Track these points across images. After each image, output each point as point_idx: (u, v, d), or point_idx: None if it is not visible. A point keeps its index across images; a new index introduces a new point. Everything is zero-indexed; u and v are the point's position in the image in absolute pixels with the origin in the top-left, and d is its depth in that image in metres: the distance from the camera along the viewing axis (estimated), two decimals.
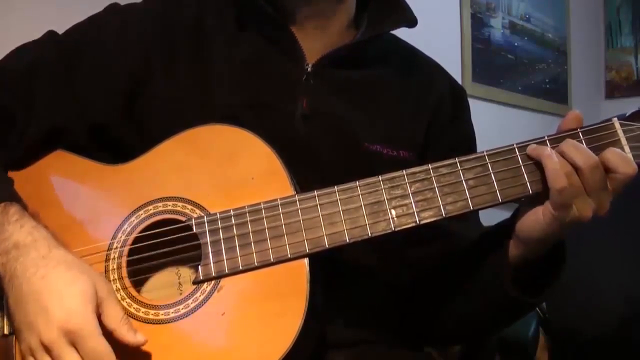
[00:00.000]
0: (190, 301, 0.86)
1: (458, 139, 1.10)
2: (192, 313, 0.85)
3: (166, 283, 0.91)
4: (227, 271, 0.86)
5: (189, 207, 0.90)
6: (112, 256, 0.90)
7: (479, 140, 1.14)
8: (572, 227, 0.87)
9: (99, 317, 0.81)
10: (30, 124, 0.97)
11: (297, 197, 0.87)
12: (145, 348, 0.83)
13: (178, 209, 0.90)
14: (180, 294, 0.88)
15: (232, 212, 0.88)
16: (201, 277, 0.87)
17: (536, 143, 0.88)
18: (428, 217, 0.87)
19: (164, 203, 0.91)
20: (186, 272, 0.90)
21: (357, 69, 1.05)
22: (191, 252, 0.89)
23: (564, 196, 0.84)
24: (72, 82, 0.99)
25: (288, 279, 0.85)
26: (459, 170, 0.88)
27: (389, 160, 1.01)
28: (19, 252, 0.83)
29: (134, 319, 0.85)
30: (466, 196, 0.87)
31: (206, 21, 1.04)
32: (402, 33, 1.12)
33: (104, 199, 0.94)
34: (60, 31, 1.05)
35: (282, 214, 0.87)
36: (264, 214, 0.87)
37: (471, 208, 0.87)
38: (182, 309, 0.86)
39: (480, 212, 0.99)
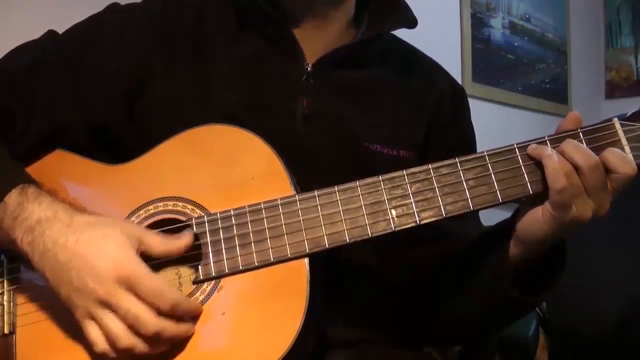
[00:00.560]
0: None
1: (458, 139, 1.11)
2: None
3: (166, 283, 0.91)
4: (227, 271, 0.86)
5: (189, 207, 0.90)
6: None
7: (479, 140, 1.14)
8: (573, 227, 0.87)
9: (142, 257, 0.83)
10: (30, 123, 0.97)
11: (297, 197, 0.87)
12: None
13: (178, 208, 0.90)
14: (181, 293, 0.88)
15: (232, 212, 0.88)
16: (201, 277, 0.87)
17: (536, 143, 0.88)
18: (428, 217, 0.87)
19: (164, 203, 0.91)
20: (186, 272, 0.90)
21: (358, 69, 1.05)
22: (191, 252, 0.89)
23: (563, 196, 0.84)
24: (72, 82, 0.99)
25: (288, 279, 0.85)
26: (459, 170, 0.88)
27: (389, 160, 1.01)
28: (43, 226, 0.85)
29: None
30: (466, 196, 0.87)
31: (206, 21, 1.04)
32: (402, 33, 1.12)
33: (104, 199, 0.94)
34: (60, 31, 1.05)
35: (282, 213, 0.87)
36: (264, 214, 0.87)
37: (471, 208, 0.87)
38: None
39: (481, 212, 0.99)
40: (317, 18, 1.04)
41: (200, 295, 0.86)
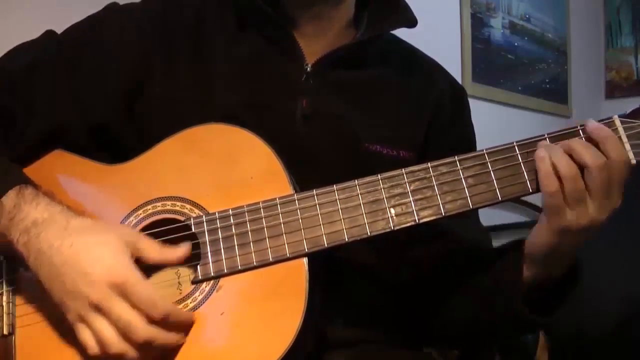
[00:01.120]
0: (189, 301, 0.86)
1: (458, 139, 1.10)
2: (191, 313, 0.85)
3: (165, 283, 0.91)
4: (225, 271, 0.86)
5: (188, 206, 0.90)
6: None
7: (479, 140, 1.14)
8: (574, 236, 0.87)
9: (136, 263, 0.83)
10: (29, 123, 0.97)
11: (295, 197, 0.87)
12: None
13: (177, 208, 0.90)
14: (180, 293, 0.88)
15: (230, 212, 0.88)
16: (200, 277, 0.87)
17: (536, 141, 0.88)
18: (427, 216, 0.87)
19: (162, 203, 0.91)
20: (185, 272, 0.90)
21: (357, 69, 1.05)
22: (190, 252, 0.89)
23: (555, 200, 0.85)
24: (71, 82, 0.99)
25: (287, 278, 0.85)
26: (458, 169, 0.88)
27: (389, 160, 1.00)
28: (39, 228, 0.85)
29: None
30: (465, 195, 0.87)
31: (206, 21, 1.04)
32: (402, 33, 1.11)
33: (103, 199, 0.94)
34: (60, 31, 1.05)
35: (281, 213, 0.87)
36: (262, 214, 0.87)
37: (470, 206, 0.87)
38: (182, 308, 0.85)
39: (481, 212, 0.99)
40: (316, 18, 1.04)
41: (199, 295, 0.86)
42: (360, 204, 0.87)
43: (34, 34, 1.05)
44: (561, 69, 3.36)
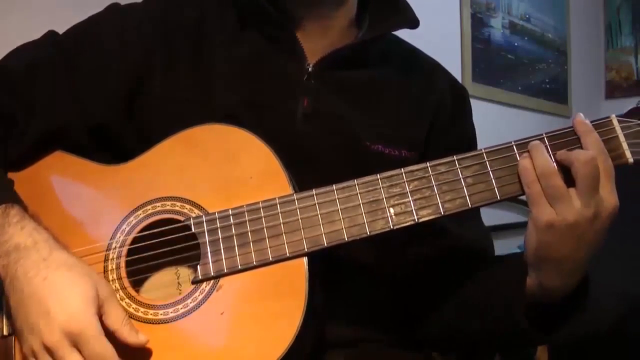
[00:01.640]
0: (189, 301, 0.86)
1: (459, 138, 1.10)
2: (191, 313, 0.85)
3: (165, 283, 0.91)
4: (225, 270, 0.86)
5: (188, 206, 0.90)
6: (110, 256, 0.90)
7: (479, 140, 1.14)
8: (562, 237, 0.85)
9: (100, 318, 0.80)
10: (30, 124, 0.97)
11: (295, 197, 0.87)
12: (143, 348, 0.83)
13: (177, 208, 0.90)
14: (179, 293, 0.88)
15: (230, 212, 0.88)
16: (200, 277, 0.87)
17: (534, 141, 0.88)
18: (426, 215, 0.87)
19: (162, 203, 0.91)
20: (185, 272, 0.90)
21: (358, 69, 1.05)
22: (190, 252, 0.89)
23: (530, 191, 0.85)
24: (72, 82, 0.99)
25: (287, 278, 0.85)
26: (457, 168, 0.88)
27: (389, 160, 1.00)
28: (20, 254, 0.83)
29: (133, 318, 0.85)
30: (464, 194, 0.87)
31: (207, 21, 1.04)
32: (402, 33, 1.11)
33: (103, 200, 0.94)
34: (61, 31, 1.05)
35: (281, 213, 0.87)
36: (262, 214, 0.87)
37: (469, 206, 0.87)
38: (181, 308, 0.86)
39: (482, 210, 0.99)
40: (318, 18, 1.04)
41: (199, 295, 0.86)
42: (360, 204, 0.87)
43: (35, 34, 1.05)
44: (561, 69, 3.37)
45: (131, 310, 0.87)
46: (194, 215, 0.89)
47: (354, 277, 0.98)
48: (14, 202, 0.89)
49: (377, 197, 0.87)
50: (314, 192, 0.88)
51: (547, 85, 3.25)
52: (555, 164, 0.86)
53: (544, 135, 0.88)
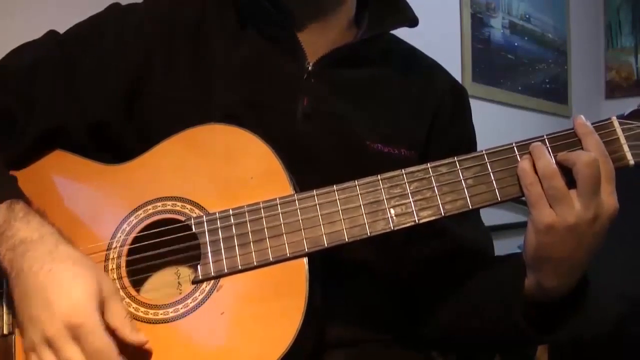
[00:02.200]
0: (189, 301, 0.86)
1: (459, 138, 1.10)
2: (192, 312, 0.85)
3: (165, 283, 0.91)
4: (226, 270, 0.86)
5: (188, 206, 0.90)
6: (111, 256, 0.90)
7: (479, 140, 1.14)
8: (563, 239, 0.85)
9: (102, 314, 0.80)
10: (30, 123, 0.97)
11: (296, 197, 0.87)
12: (144, 347, 0.83)
13: (177, 208, 0.90)
14: (180, 293, 0.88)
15: (231, 212, 0.88)
16: (200, 277, 0.87)
17: (535, 142, 0.88)
18: (427, 216, 0.87)
19: (163, 203, 0.91)
20: (185, 272, 0.90)
21: (358, 68, 1.05)
22: (190, 252, 0.89)
23: (530, 193, 0.85)
24: (72, 81, 0.99)
25: (287, 278, 0.85)
26: (457, 169, 0.88)
27: (390, 159, 1.01)
28: (26, 247, 0.84)
29: (134, 318, 0.85)
30: (465, 195, 0.87)
31: (206, 20, 1.04)
32: (402, 33, 1.12)
33: (103, 199, 0.94)
34: (61, 31, 1.05)
35: (281, 213, 0.87)
36: (262, 214, 0.87)
37: (470, 207, 0.87)
38: (182, 308, 0.86)
39: (481, 212, 0.99)
40: (317, 17, 1.04)
41: (199, 295, 0.86)
42: (360, 204, 0.87)
43: (35, 33, 1.05)
44: (561, 69, 3.37)
45: (131, 309, 0.86)
46: (194, 215, 0.89)
47: (354, 277, 0.98)
48: (19, 197, 0.89)
49: (377, 197, 0.87)
50: (314, 192, 0.88)
51: (547, 85, 3.25)
52: (556, 165, 0.85)
53: (544, 136, 0.88)
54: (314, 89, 1.01)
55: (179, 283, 0.90)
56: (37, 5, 1.45)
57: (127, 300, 0.87)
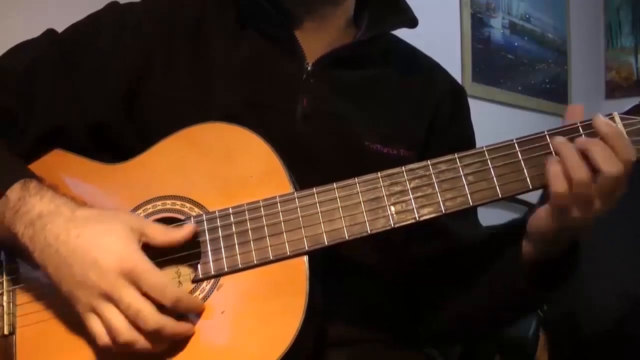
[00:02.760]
0: None
1: (458, 138, 1.10)
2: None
3: (169, 278, 0.91)
4: (226, 269, 0.86)
5: (188, 205, 0.90)
6: None
7: (479, 140, 1.14)
8: (575, 228, 0.87)
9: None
10: (30, 123, 0.98)
11: (295, 195, 0.87)
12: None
13: (177, 207, 0.90)
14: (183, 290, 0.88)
15: (230, 211, 0.88)
16: (200, 276, 0.86)
17: (536, 138, 0.88)
18: (427, 214, 0.87)
19: (162, 202, 0.91)
20: (186, 271, 0.90)
21: (358, 69, 1.05)
22: (190, 251, 0.89)
23: (562, 200, 0.84)
24: (71, 81, 0.99)
25: (288, 277, 0.85)
26: (458, 166, 0.88)
27: (389, 159, 1.00)
28: (44, 220, 0.84)
29: None
30: (465, 192, 0.87)
31: (206, 20, 1.04)
32: (402, 33, 1.12)
33: (103, 198, 0.94)
34: (61, 30, 1.05)
35: (281, 211, 0.87)
36: (262, 212, 0.87)
37: (470, 204, 0.86)
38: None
39: (482, 210, 0.99)
40: (316, 17, 1.04)
41: (199, 294, 0.86)
42: (361, 202, 0.87)
43: (34, 33, 1.05)
44: (561, 69, 3.37)
45: None
46: (194, 214, 0.89)
47: (355, 275, 0.98)
48: (32, 177, 0.90)
49: (377, 195, 0.87)
50: (314, 190, 0.87)
51: (547, 85, 3.25)
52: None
53: (545, 132, 0.88)
54: (314, 89, 1.01)
55: (179, 282, 0.90)
56: (37, 5, 1.46)
57: None
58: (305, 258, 0.85)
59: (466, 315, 1.03)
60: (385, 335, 1.02)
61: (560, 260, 0.92)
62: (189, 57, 1.01)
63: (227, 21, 1.04)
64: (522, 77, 3.08)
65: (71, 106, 0.98)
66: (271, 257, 0.85)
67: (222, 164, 0.91)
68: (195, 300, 0.84)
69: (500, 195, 0.87)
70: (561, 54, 3.37)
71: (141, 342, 0.80)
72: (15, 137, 0.97)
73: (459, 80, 1.63)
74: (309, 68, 1.01)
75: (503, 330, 1.41)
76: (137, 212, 0.91)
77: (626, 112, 0.87)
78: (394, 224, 0.86)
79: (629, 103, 0.91)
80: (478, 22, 2.82)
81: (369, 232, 0.86)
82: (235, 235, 0.87)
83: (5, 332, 0.89)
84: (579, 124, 0.88)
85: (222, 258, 0.86)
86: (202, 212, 0.89)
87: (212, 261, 0.87)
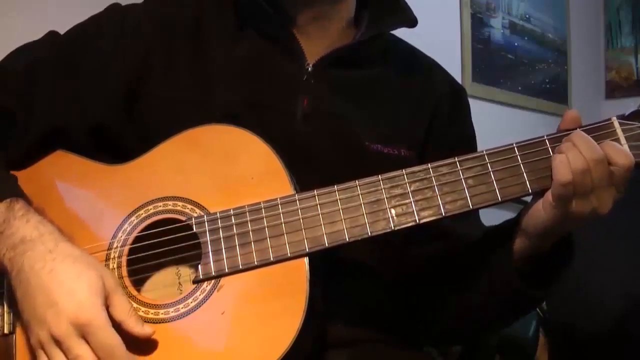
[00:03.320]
0: (190, 300, 0.86)
1: (458, 138, 1.11)
2: (192, 312, 0.85)
3: (166, 282, 0.91)
4: (226, 270, 0.86)
5: (189, 206, 0.90)
6: (112, 255, 0.90)
7: (479, 140, 1.14)
8: (573, 222, 0.87)
9: (107, 309, 0.81)
10: (30, 124, 0.98)
11: (297, 197, 0.88)
12: (144, 347, 0.83)
13: (178, 208, 0.90)
14: (180, 293, 0.88)
15: (232, 212, 0.88)
16: (201, 276, 0.87)
17: (535, 142, 0.88)
18: (427, 216, 0.87)
19: (164, 203, 0.91)
20: (186, 272, 0.90)
21: (358, 69, 1.06)
22: (191, 252, 0.89)
23: (566, 190, 0.84)
24: (72, 82, 0.99)
25: (288, 278, 0.85)
26: (458, 169, 0.88)
27: (389, 159, 1.01)
28: (26, 246, 0.84)
29: None
30: (465, 195, 0.87)
31: (206, 21, 1.04)
32: (402, 33, 1.12)
33: (104, 199, 0.94)
34: (61, 31, 1.05)
35: (282, 213, 0.87)
36: (263, 213, 0.87)
37: (470, 207, 0.87)
38: (182, 308, 0.86)
39: (481, 212, 0.99)
40: (316, 18, 1.04)
41: (200, 295, 0.86)
42: (361, 204, 0.87)
43: (35, 34, 1.05)
44: (561, 69, 3.37)
45: None
46: (195, 215, 0.89)
47: (355, 277, 0.98)
48: (19, 196, 0.89)
49: (378, 197, 0.87)
50: (315, 192, 0.88)
51: (547, 85, 3.25)
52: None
53: (545, 137, 0.88)
54: (314, 89, 1.01)
55: (179, 283, 0.90)
56: (37, 5, 1.45)
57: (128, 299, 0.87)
58: (306, 259, 0.86)
59: (466, 315, 1.03)
60: (385, 335, 1.03)
61: (555, 253, 0.93)
62: (189, 57, 1.01)
63: (227, 21, 1.04)
64: (522, 77, 3.07)
65: (71, 106, 0.98)
66: (272, 258, 0.86)
67: (223, 165, 0.91)
68: None
69: (499, 199, 0.87)
70: (561, 54, 3.37)
71: None
72: (16, 138, 0.97)
73: (459, 80, 1.64)
74: (309, 68, 1.02)
75: (503, 330, 1.42)
76: (138, 213, 0.91)
77: (625, 118, 0.87)
78: (394, 227, 0.87)
79: (629, 103, 0.91)
80: (478, 22, 2.82)
81: (370, 234, 0.86)
82: (236, 236, 0.87)
83: (6, 331, 0.89)
84: (578, 129, 0.88)
85: (223, 259, 0.87)
86: (203, 213, 0.89)
87: (213, 262, 0.87)
